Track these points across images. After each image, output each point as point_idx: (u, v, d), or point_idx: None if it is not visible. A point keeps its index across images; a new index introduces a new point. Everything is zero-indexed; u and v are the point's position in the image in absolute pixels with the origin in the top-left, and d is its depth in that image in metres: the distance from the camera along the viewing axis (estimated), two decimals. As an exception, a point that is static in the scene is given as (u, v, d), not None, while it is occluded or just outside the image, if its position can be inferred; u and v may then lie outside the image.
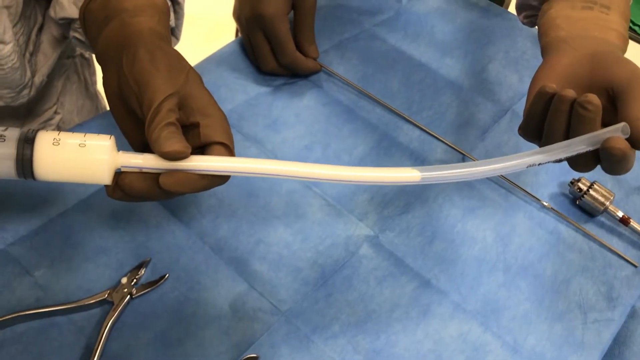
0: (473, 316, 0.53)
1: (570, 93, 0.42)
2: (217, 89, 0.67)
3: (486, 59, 0.75)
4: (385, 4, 0.81)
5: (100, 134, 0.38)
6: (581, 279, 0.57)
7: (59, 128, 0.70)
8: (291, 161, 0.41)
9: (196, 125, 0.40)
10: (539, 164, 0.42)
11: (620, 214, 0.60)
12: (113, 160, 0.38)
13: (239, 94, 0.67)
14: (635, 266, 0.58)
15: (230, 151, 0.40)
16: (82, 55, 0.72)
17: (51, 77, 0.67)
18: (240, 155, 0.61)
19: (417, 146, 0.65)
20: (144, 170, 0.38)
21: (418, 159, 0.64)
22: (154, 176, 0.38)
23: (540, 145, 0.46)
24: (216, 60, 0.69)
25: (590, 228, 0.61)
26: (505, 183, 0.63)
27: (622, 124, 0.41)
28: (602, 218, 0.62)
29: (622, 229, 0.61)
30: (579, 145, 0.42)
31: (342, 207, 0.59)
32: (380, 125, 0.67)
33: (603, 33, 0.50)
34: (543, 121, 0.45)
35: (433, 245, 0.57)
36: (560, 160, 0.43)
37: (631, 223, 0.60)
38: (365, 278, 0.54)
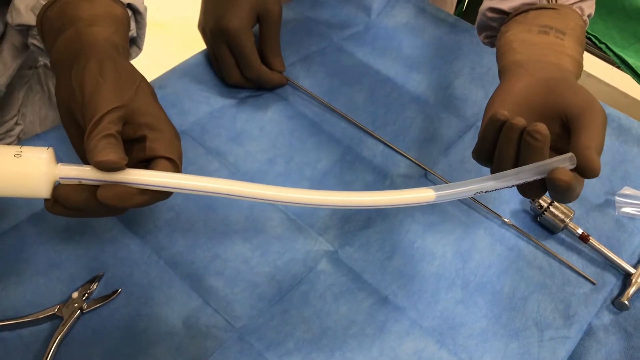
0: (429, 333, 0.53)
1: (521, 121, 0.42)
2: (181, 101, 0.66)
3: (452, 75, 0.75)
4: (355, 17, 0.81)
5: (38, 147, 0.37)
6: (539, 296, 0.57)
7: (19, 139, 0.69)
8: (244, 182, 0.41)
9: (143, 139, 0.40)
10: (486, 192, 0.42)
11: (580, 231, 0.60)
12: (51, 172, 0.37)
13: (202, 106, 0.66)
14: (594, 283, 0.58)
15: (176, 166, 0.40)
16: (45, 66, 0.72)
17: (11, 87, 0.66)
18: (202, 169, 0.62)
19: (381, 161, 0.65)
20: (83, 182, 0.37)
21: (381, 174, 0.64)
22: (92, 189, 0.37)
23: (492, 170, 0.46)
24: (180, 72, 0.69)
25: (551, 245, 0.61)
26: (467, 199, 0.63)
27: (569, 154, 0.41)
28: (562, 235, 0.62)
29: (581, 246, 0.61)
30: (527, 173, 0.42)
31: (302, 222, 0.59)
32: (345, 139, 0.67)
33: (558, 59, 0.50)
34: (494, 146, 0.45)
35: (392, 260, 0.57)
36: (509, 187, 0.43)
37: (590, 240, 0.60)
38: (322, 294, 0.54)
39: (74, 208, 0.38)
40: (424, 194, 0.42)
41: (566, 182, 0.40)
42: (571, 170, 0.41)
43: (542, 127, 0.41)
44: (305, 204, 0.41)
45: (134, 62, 0.47)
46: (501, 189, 0.43)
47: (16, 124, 0.69)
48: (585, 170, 0.41)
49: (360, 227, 0.59)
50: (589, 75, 1.40)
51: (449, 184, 0.43)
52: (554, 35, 0.51)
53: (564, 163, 0.41)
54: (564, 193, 0.41)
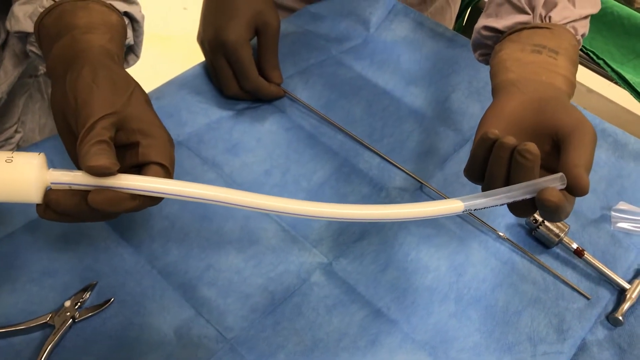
0: (421, 346, 0.52)
1: (511, 140, 0.42)
2: (178, 112, 0.67)
3: (450, 89, 0.76)
4: (354, 31, 0.81)
5: (30, 152, 0.38)
6: (533, 311, 0.56)
7: (19, 147, 0.70)
8: (241, 190, 0.42)
9: (137, 145, 0.40)
10: (475, 209, 0.43)
11: (574, 245, 0.60)
12: (41, 178, 0.37)
13: (200, 117, 0.67)
14: (588, 298, 0.58)
15: (167, 172, 0.40)
16: (46, 74, 0.72)
17: (12, 96, 0.67)
18: (197, 179, 0.62)
19: (377, 173, 0.65)
20: (73, 187, 0.38)
21: (377, 186, 0.64)
22: (83, 193, 0.38)
23: (482, 188, 0.47)
24: (179, 83, 0.69)
25: (545, 259, 0.61)
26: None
27: (560, 174, 0.41)
28: (557, 249, 0.62)
29: (576, 261, 0.61)
30: (517, 192, 0.42)
31: (297, 233, 0.59)
32: (341, 151, 0.67)
33: (551, 78, 0.50)
34: (486, 165, 0.45)
35: (386, 273, 0.57)
36: (499, 205, 0.44)
37: (585, 255, 0.60)
38: (315, 306, 0.54)
39: (65, 213, 0.38)
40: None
41: (555, 202, 0.40)
42: (561, 189, 0.41)
43: (532, 147, 0.41)
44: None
45: (134, 73, 0.47)
46: (491, 207, 0.43)
47: (16, 131, 0.69)
48: (573, 187, 0.41)
49: (354, 239, 0.59)
50: (590, 90, 1.40)
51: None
52: (547, 55, 0.52)
53: (554, 183, 0.41)
54: (553, 213, 0.41)
